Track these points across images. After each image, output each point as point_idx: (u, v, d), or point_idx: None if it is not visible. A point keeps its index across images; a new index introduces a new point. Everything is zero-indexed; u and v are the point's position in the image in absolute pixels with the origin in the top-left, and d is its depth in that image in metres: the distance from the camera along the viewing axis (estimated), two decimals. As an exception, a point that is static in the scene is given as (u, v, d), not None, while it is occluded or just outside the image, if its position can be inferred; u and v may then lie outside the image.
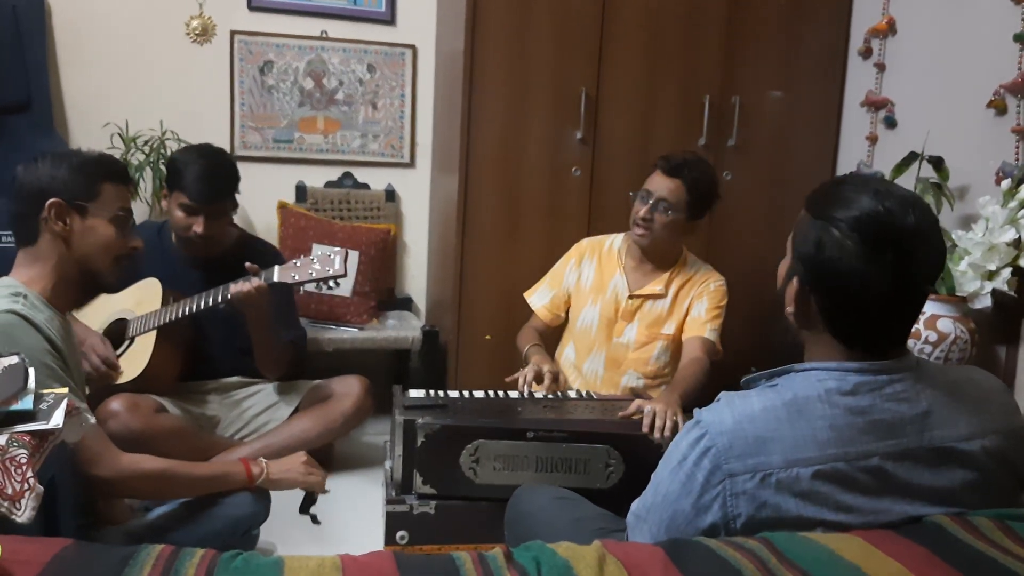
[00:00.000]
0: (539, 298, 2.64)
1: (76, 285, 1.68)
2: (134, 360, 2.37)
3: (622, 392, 2.51)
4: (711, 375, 2.43)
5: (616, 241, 2.62)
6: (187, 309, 2.33)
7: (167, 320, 2.34)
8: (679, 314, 2.50)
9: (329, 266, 2.27)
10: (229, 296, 2.29)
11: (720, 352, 2.49)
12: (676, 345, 2.52)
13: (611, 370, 2.54)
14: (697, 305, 2.49)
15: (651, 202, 2.40)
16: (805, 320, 1.23)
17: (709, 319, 2.47)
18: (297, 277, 2.29)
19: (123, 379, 2.34)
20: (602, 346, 2.55)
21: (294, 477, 1.92)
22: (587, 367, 2.56)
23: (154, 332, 2.37)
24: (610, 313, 2.54)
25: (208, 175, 2.44)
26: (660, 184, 2.42)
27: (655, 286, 2.51)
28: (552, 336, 2.66)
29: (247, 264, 2.31)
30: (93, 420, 1.55)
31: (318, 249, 2.34)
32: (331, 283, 2.32)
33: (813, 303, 1.20)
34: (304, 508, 1.99)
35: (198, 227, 2.43)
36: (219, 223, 2.49)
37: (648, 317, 2.51)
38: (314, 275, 2.27)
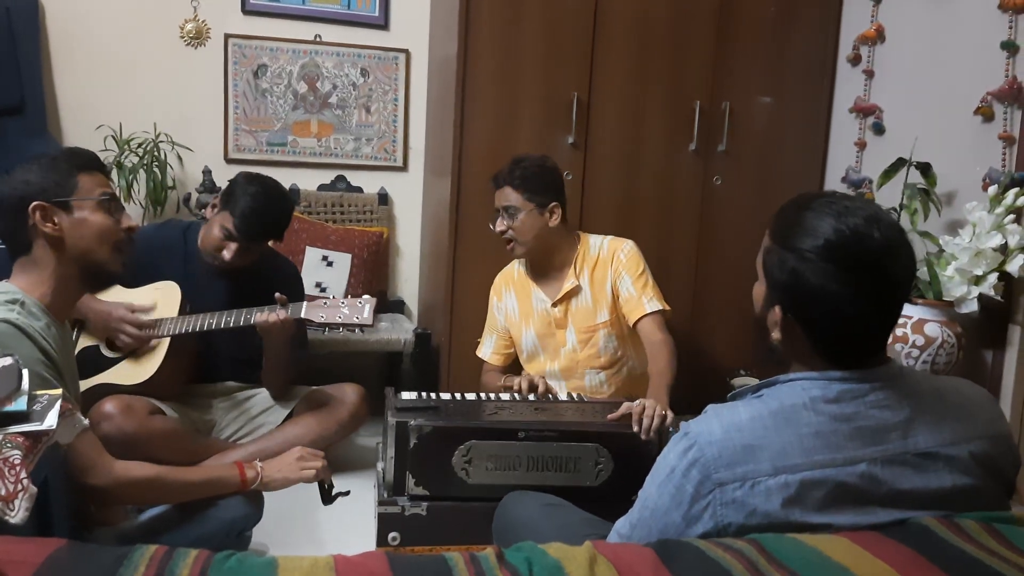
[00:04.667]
0: (486, 348, 2.70)
1: (79, 282, 1.67)
2: (143, 364, 2.36)
3: (591, 392, 2.53)
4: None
5: (520, 263, 2.65)
6: (206, 324, 2.33)
7: (183, 331, 2.34)
8: (605, 299, 2.49)
9: (357, 314, 2.27)
10: (253, 322, 2.30)
11: (669, 310, 2.47)
12: (618, 328, 2.51)
13: (570, 378, 2.56)
14: (621, 285, 2.48)
15: (498, 217, 2.47)
16: (792, 345, 1.23)
17: (640, 290, 2.45)
18: (324, 317, 2.29)
19: (129, 382, 2.34)
20: (553, 361, 2.57)
21: (287, 475, 1.88)
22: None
23: (168, 339, 2.37)
24: (545, 328, 2.56)
25: (261, 213, 2.42)
26: (497, 198, 2.49)
27: (568, 283, 2.51)
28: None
29: (277, 295, 2.32)
30: (87, 422, 1.55)
31: (345, 301, 2.34)
32: (357, 330, 2.32)
33: (799, 329, 1.21)
34: (325, 500, 1.96)
35: (228, 253, 2.42)
36: (249, 255, 2.48)
37: (579, 315, 2.52)
38: (341, 319, 2.28)
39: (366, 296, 2.33)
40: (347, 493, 1.97)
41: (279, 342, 2.40)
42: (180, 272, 2.48)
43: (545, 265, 2.55)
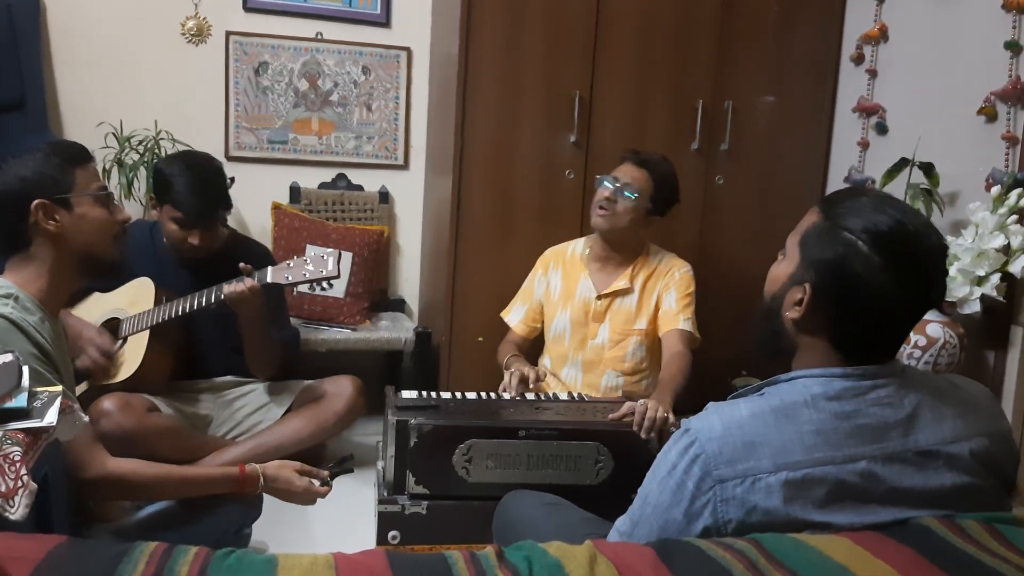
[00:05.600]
0: (515, 315, 2.70)
1: (76, 276, 1.67)
2: (127, 359, 2.37)
3: (604, 392, 2.52)
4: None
5: (578, 246, 2.65)
6: (181, 309, 2.33)
7: (160, 319, 2.34)
8: (649, 308, 2.52)
9: (322, 267, 2.27)
10: (223, 296, 2.29)
11: (698, 339, 2.51)
12: (651, 340, 2.53)
13: (589, 372, 2.56)
14: (666, 297, 2.51)
15: (616, 185, 2.45)
16: (809, 327, 1.22)
17: (681, 309, 2.48)
18: (290, 278, 2.29)
19: (116, 378, 2.34)
20: (577, 350, 2.57)
21: (295, 501, 1.89)
22: (565, 373, 2.59)
23: (147, 332, 2.37)
24: (581, 317, 2.56)
25: (199, 189, 2.41)
26: (627, 171, 2.48)
27: (620, 282, 2.53)
28: (532, 351, 2.70)
29: (241, 264, 2.31)
30: (87, 419, 1.55)
31: (311, 250, 2.34)
32: (324, 284, 2.32)
33: (823, 313, 1.20)
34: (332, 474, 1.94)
35: (194, 239, 2.43)
36: (214, 232, 2.49)
37: (619, 315, 2.53)
38: (307, 276, 2.27)
39: (330, 249, 2.33)
40: (349, 460, 1.98)
41: (253, 315, 2.38)
42: (152, 270, 2.48)
43: (609, 256, 2.56)
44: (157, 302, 2.40)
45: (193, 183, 2.41)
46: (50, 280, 1.61)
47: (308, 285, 2.34)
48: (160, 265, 2.52)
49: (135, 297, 2.44)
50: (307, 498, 1.90)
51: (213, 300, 2.31)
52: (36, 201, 1.56)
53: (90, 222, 1.63)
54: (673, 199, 2.55)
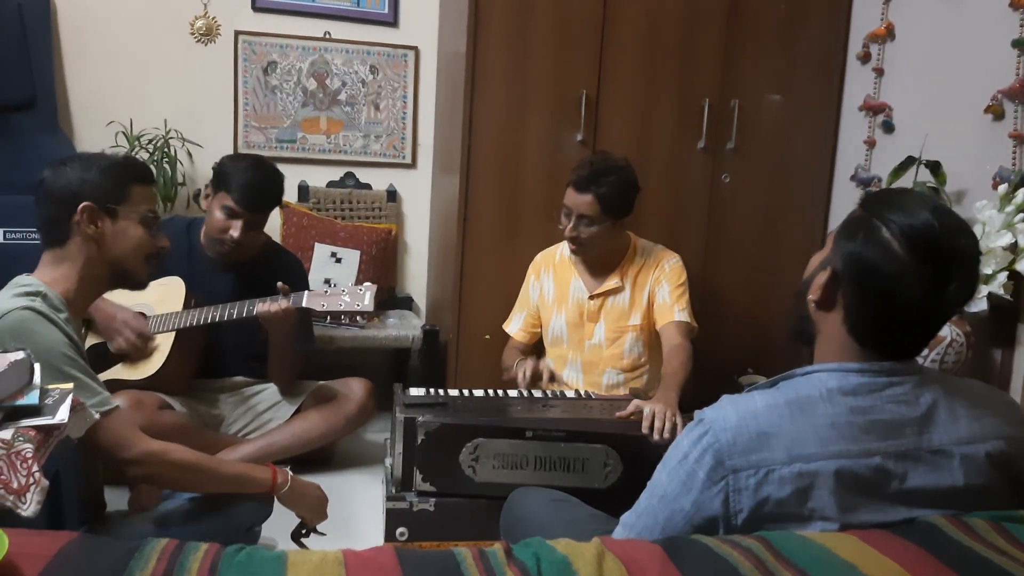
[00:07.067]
0: (515, 324, 2.72)
1: (104, 284, 1.73)
2: (149, 359, 2.37)
3: (606, 391, 2.53)
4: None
5: (564, 249, 2.65)
6: (210, 317, 2.34)
7: (189, 324, 2.35)
8: (641, 303, 2.53)
9: (359, 301, 2.27)
10: (255, 313, 2.30)
11: (696, 328, 2.51)
12: (647, 335, 2.54)
13: (589, 372, 2.57)
14: (659, 291, 2.52)
15: (572, 220, 2.44)
16: (827, 308, 1.23)
17: (675, 300, 2.49)
18: (326, 306, 2.30)
19: (136, 377, 2.35)
20: (576, 352, 2.58)
21: (310, 503, 1.88)
22: (566, 375, 2.60)
23: (173, 333, 2.37)
24: (575, 318, 2.57)
25: (259, 184, 2.45)
26: (575, 201, 2.43)
27: (612, 281, 2.54)
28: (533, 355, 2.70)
29: (279, 284, 2.32)
30: (117, 404, 1.57)
31: (351, 287, 2.33)
32: (358, 318, 2.33)
33: (840, 296, 1.21)
34: (296, 536, 1.93)
35: (235, 231, 2.43)
36: (255, 232, 2.50)
37: (612, 313, 2.54)
38: (343, 307, 2.28)
39: (367, 283, 2.33)
40: (307, 534, 1.94)
41: (283, 333, 2.40)
42: (184, 268, 2.48)
43: (594, 260, 2.56)
44: (186, 305, 2.40)
45: (255, 178, 2.44)
46: (79, 282, 1.66)
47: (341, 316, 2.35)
48: (192, 264, 2.53)
49: (164, 296, 2.44)
50: (324, 512, 1.92)
51: (245, 314, 2.31)
52: (85, 203, 1.62)
53: (129, 238, 1.69)
54: (631, 198, 2.47)
